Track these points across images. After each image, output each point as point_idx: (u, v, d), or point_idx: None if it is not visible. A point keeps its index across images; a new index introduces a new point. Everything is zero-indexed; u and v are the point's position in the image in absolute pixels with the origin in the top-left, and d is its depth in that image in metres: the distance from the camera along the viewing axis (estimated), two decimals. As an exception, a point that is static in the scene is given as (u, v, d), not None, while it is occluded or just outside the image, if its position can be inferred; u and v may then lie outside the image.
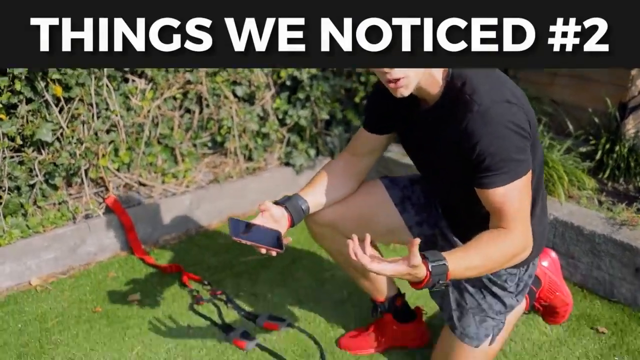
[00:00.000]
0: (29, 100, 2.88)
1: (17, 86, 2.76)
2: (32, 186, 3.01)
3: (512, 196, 1.79)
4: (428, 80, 1.84)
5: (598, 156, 3.36)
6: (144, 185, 3.34)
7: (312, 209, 2.15)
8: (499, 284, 2.11)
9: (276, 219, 2.04)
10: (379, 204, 2.25)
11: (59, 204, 3.10)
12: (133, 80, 3.28)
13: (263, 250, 1.96)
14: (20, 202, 2.96)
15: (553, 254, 2.58)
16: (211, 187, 3.45)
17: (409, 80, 1.77)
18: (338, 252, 2.31)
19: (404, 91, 1.79)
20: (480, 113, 1.75)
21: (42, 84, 2.86)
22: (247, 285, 2.89)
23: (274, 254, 1.97)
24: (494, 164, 1.76)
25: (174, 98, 3.38)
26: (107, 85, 3.11)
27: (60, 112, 2.98)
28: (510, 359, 2.39)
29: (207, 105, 3.45)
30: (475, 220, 2.01)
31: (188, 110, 3.46)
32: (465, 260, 1.78)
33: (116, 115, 3.16)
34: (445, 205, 2.23)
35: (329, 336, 2.55)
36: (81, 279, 2.94)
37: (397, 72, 1.74)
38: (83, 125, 3.07)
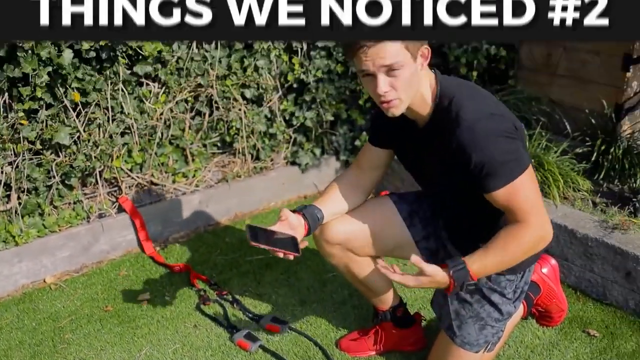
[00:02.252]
0: (48, 106, 2.83)
1: (38, 93, 2.71)
2: (49, 187, 2.97)
3: (518, 192, 1.79)
4: (419, 102, 1.85)
5: (594, 157, 3.27)
6: (155, 184, 3.28)
7: (326, 218, 2.14)
8: (498, 291, 2.05)
9: (293, 226, 2.03)
10: (388, 220, 2.21)
11: (74, 203, 3.05)
12: (147, 84, 3.20)
13: (280, 255, 1.96)
14: (38, 203, 2.92)
15: (553, 261, 2.50)
16: (220, 186, 3.39)
17: (400, 102, 1.79)
18: (346, 268, 2.27)
19: (395, 111, 1.82)
20: (468, 128, 1.76)
21: (62, 90, 2.80)
22: (252, 285, 2.84)
23: (291, 257, 1.96)
24: (492, 170, 1.77)
25: (186, 101, 3.31)
26: (122, 90, 3.05)
27: (77, 116, 2.93)
28: (503, 363, 2.33)
29: (217, 108, 3.37)
30: (476, 229, 2.02)
31: (199, 113, 3.39)
32: (485, 259, 1.83)
33: (130, 119, 3.10)
34: (447, 217, 2.17)
35: (330, 337, 2.50)
36: (93, 277, 2.91)
37: (390, 94, 1.76)
38: (99, 129, 3.01)
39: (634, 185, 3.14)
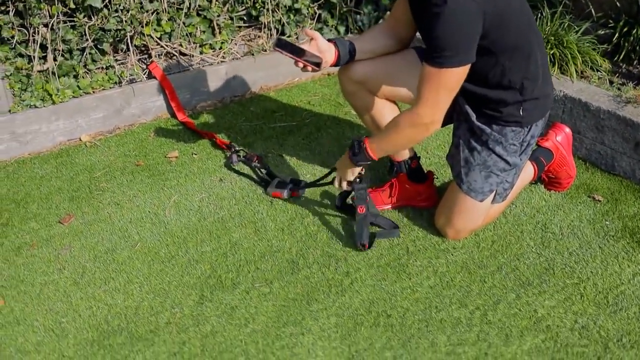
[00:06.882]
0: (81, -32, 2.89)
1: (71, -46, 2.78)
2: (83, 50, 3.06)
3: (431, 79, 1.91)
4: None
5: (615, 39, 3.26)
6: (183, 54, 3.36)
7: (357, 54, 2.24)
8: (503, 144, 2.16)
9: (322, 50, 2.14)
10: (408, 66, 2.27)
11: (107, 68, 3.16)
12: (175, -46, 3.24)
13: (300, 65, 2.09)
14: (72, 65, 3.03)
15: (567, 130, 2.58)
16: (246, 59, 3.46)
17: None
18: (364, 109, 2.39)
19: None
20: (439, 5, 1.82)
21: (94, -47, 2.86)
22: (275, 147, 2.95)
23: (309, 69, 2.09)
24: (434, 45, 1.87)
25: (213, -28, 3.35)
26: (150, -43, 3.09)
27: (108, -20, 2.99)
28: (509, 220, 2.45)
29: (244, -20, 3.41)
30: (479, 86, 2.10)
31: (226, -16, 3.43)
32: (379, 136, 2.13)
33: (159, -14, 3.15)
34: None
35: (347, 194, 2.62)
36: (125, 137, 3.05)
37: None
38: (129, -6, 3.08)
39: (653, 67, 3.16)
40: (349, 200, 2.46)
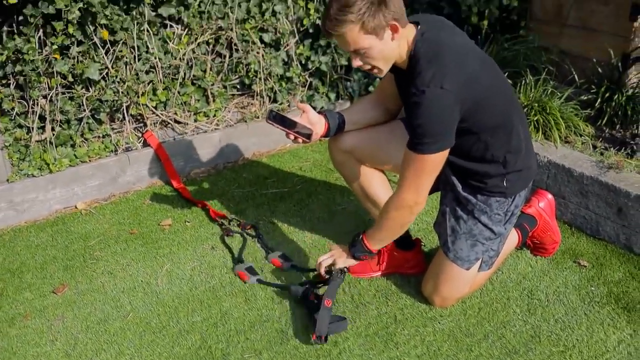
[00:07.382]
0: (79, 43, 3.00)
1: (70, 29, 2.88)
2: (80, 120, 3.15)
3: (413, 164, 2.00)
4: (398, 59, 2.04)
5: (597, 104, 3.36)
6: (178, 122, 3.45)
7: (347, 125, 2.33)
8: (488, 213, 2.22)
9: (312, 122, 2.24)
10: (395, 137, 2.35)
11: (103, 137, 3.24)
12: (171, 26, 3.35)
13: (291, 137, 2.17)
14: (70, 134, 3.11)
15: (549, 196, 2.64)
16: (239, 126, 3.55)
17: (379, 70, 2.03)
18: (353, 178, 2.46)
19: (378, 74, 2.06)
20: (417, 95, 1.92)
21: (92, 28, 2.96)
22: (266, 214, 3.01)
23: (300, 141, 2.16)
24: (416, 133, 1.96)
25: (207, 43, 3.45)
26: (147, 30, 3.20)
27: (106, 53, 3.09)
28: (495, 286, 2.48)
29: (237, 50, 3.51)
30: (463, 159, 2.17)
31: (219, 55, 3.53)
32: (372, 227, 2.22)
33: (155, 58, 3.25)
34: None
35: (336, 261, 2.66)
36: (120, 205, 3.10)
37: (365, 66, 2.00)
38: (126, 66, 3.18)
39: (636, 131, 3.23)
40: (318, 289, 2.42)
